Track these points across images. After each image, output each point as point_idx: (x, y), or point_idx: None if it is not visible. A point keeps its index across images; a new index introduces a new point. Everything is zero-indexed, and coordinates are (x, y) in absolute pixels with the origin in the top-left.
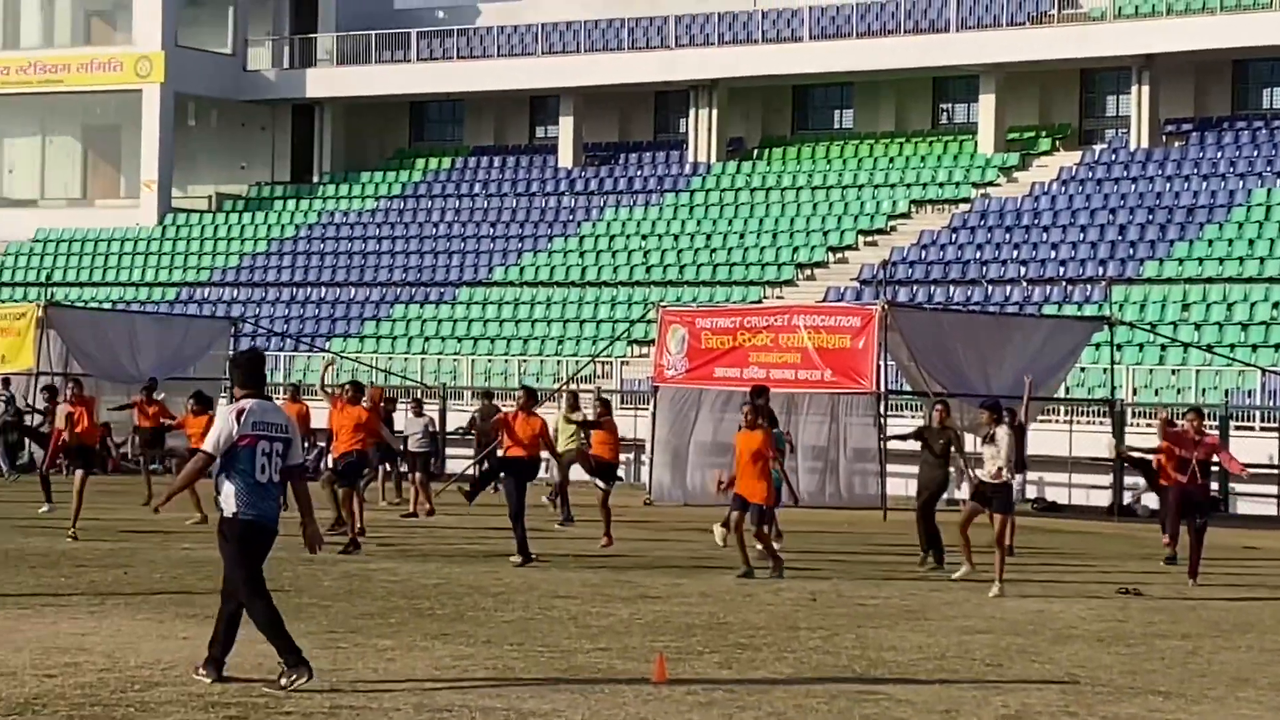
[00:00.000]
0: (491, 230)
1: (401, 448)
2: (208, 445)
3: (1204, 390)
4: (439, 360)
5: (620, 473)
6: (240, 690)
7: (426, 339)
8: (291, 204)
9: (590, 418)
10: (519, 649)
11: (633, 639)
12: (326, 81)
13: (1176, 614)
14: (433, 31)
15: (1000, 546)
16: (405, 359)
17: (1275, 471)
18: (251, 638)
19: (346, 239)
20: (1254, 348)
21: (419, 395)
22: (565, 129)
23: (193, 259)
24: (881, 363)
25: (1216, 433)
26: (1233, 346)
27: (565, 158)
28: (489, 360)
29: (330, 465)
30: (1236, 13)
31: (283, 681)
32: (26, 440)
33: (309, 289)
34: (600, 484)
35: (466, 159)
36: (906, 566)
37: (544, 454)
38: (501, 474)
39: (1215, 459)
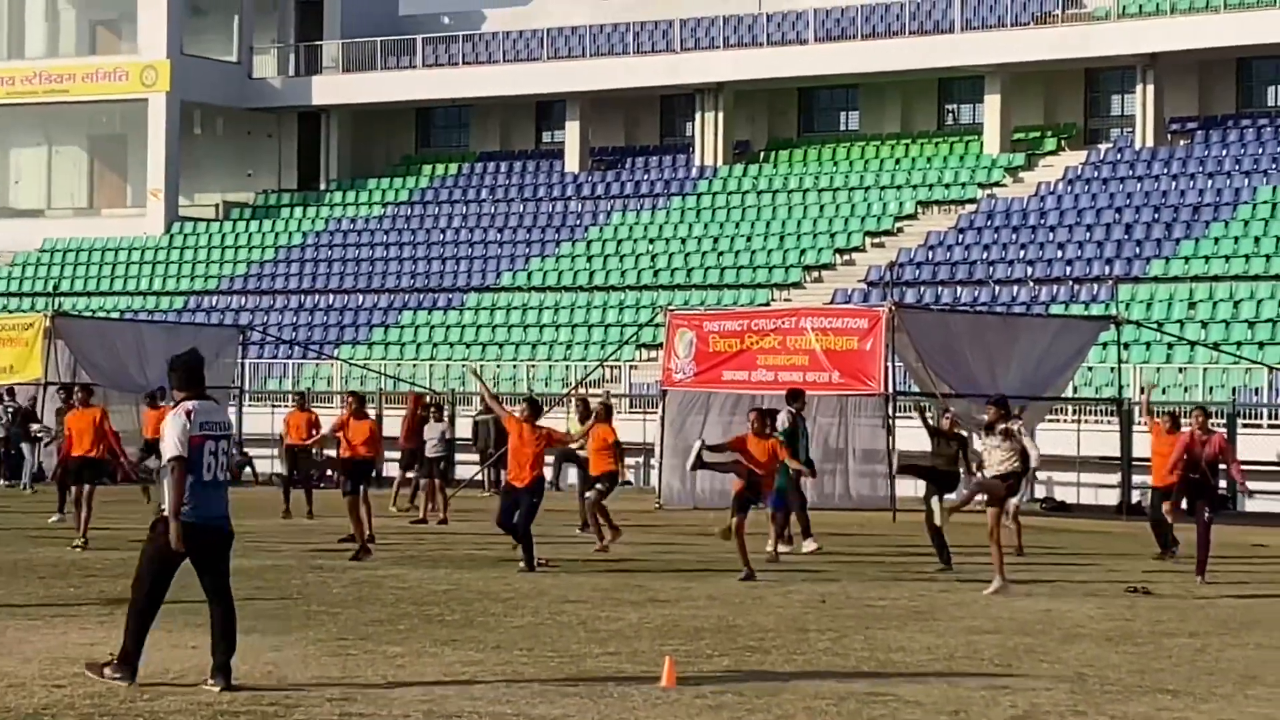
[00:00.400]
0: (499, 235)
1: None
2: (172, 451)
3: (1211, 388)
4: (448, 366)
5: (630, 476)
6: (249, 699)
7: (435, 345)
8: (299, 211)
9: (592, 416)
10: (528, 654)
11: (642, 643)
12: (332, 88)
13: (1184, 612)
14: (438, 37)
15: (996, 539)
16: (414, 365)
17: None
18: (259, 645)
19: (354, 246)
20: (1261, 345)
21: (438, 401)
22: (571, 134)
23: (200, 267)
24: (889, 364)
25: (1224, 430)
26: (1239, 344)
27: (572, 162)
28: (498, 365)
29: (340, 480)
30: (1240, 11)
31: (105, 671)
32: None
33: (317, 296)
34: (599, 486)
35: (473, 165)
36: (915, 568)
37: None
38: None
39: (1220, 460)
